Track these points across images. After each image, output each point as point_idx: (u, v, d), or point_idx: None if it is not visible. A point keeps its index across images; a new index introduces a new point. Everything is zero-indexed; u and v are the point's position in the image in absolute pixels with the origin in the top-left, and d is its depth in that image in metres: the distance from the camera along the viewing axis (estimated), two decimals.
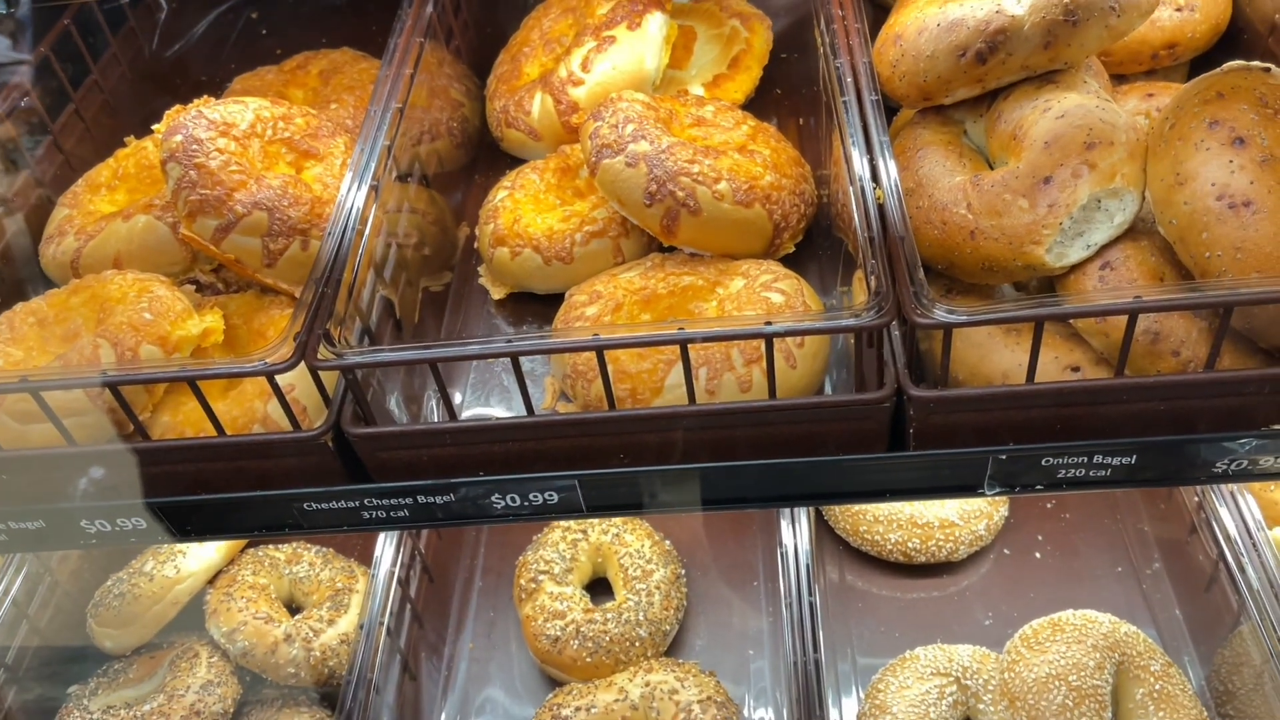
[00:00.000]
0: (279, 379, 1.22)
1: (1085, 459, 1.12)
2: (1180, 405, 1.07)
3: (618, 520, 1.83)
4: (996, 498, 1.83)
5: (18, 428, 1.20)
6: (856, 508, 1.79)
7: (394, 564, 1.66)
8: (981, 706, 1.54)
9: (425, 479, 1.18)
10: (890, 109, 1.36)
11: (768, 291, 1.27)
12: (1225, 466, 1.11)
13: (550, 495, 1.19)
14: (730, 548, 1.88)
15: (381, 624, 1.58)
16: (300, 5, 2.06)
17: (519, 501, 1.20)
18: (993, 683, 1.53)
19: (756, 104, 1.65)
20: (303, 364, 1.08)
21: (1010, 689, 1.49)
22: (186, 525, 1.23)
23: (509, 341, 1.07)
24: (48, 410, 1.13)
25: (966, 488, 1.16)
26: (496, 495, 1.19)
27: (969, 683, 1.55)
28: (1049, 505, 1.89)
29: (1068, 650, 1.48)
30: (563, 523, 1.84)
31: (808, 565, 1.56)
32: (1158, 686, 1.47)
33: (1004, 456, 1.11)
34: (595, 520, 1.82)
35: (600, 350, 1.07)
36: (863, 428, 1.12)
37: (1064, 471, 1.13)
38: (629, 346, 1.05)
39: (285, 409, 1.13)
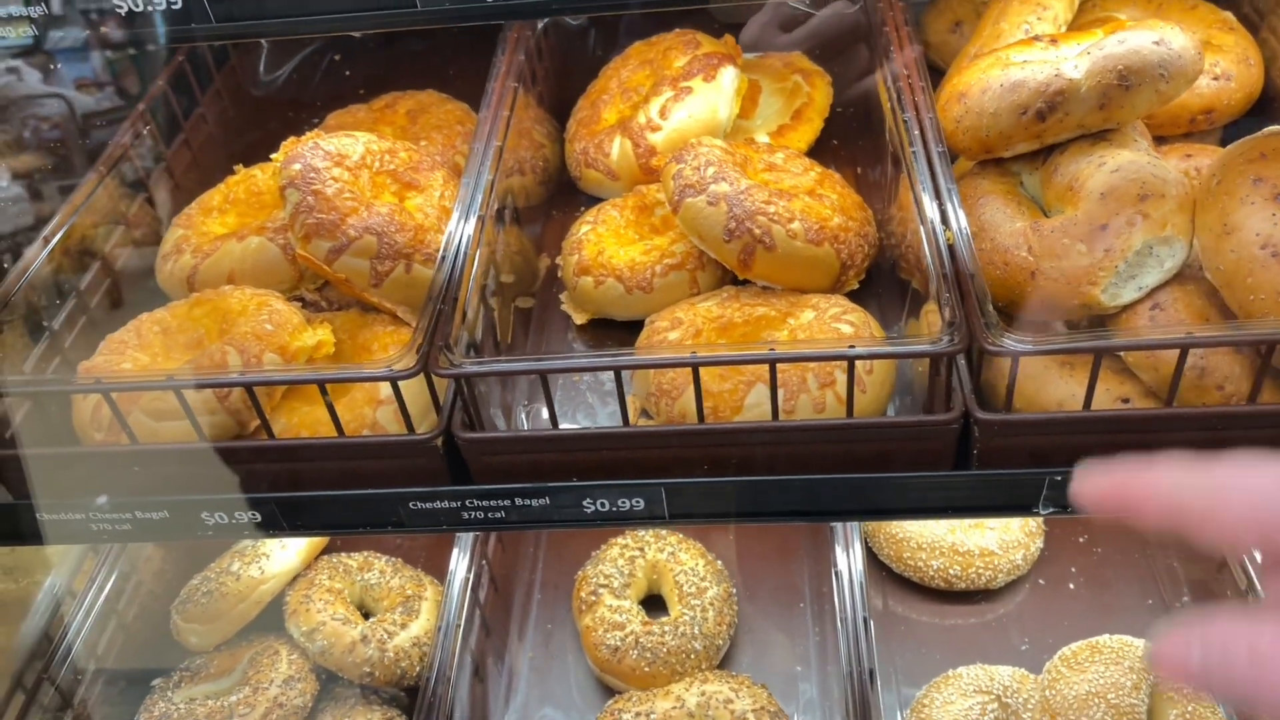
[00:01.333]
0: (384, 387, 1.34)
1: None
2: (1223, 435, 1.17)
3: (673, 539, 1.92)
4: (1034, 530, 1.92)
5: (151, 424, 1.30)
6: (900, 536, 1.89)
7: (468, 572, 1.76)
8: None
9: (523, 483, 1.28)
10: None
11: (837, 323, 1.38)
12: None
13: (637, 501, 1.29)
14: (778, 570, 1.97)
15: (458, 627, 1.68)
16: (379, 50, 2.20)
17: (608, 506, 1.30)
18: (1031, 701, 1.62)
19: (816, 153, 1.77)
20: (427, 373, 1.19)
21: (1051, 705, 1.58)
22: (298, 520, 1.33)
23: (614, 356, 1.18)
24: (186, 407, 1.24)
25: (1022, 507, 1.26)
26: (588, 500, 1.30)
27: (1009, 700, 1.64)
28: (1081, 540, 1.99)
29: (1106, 670, 1.56)
30: (620, 540, 1.94)
31: (861, 584, 1.65)
32: (1190, 708, 1.56)
33: (1059, 478, 1.21)
34: (651, 539, 1.92)
35: (696, 367, 1.18)
36: (930, 448, 1.22)
37: None
38: (722, 364, 1.15)
39: (404, 413, 1.24)
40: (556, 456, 1.26)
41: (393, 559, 1.94)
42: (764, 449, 1.24)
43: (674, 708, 1.67)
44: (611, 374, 1.50)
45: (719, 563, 1.92)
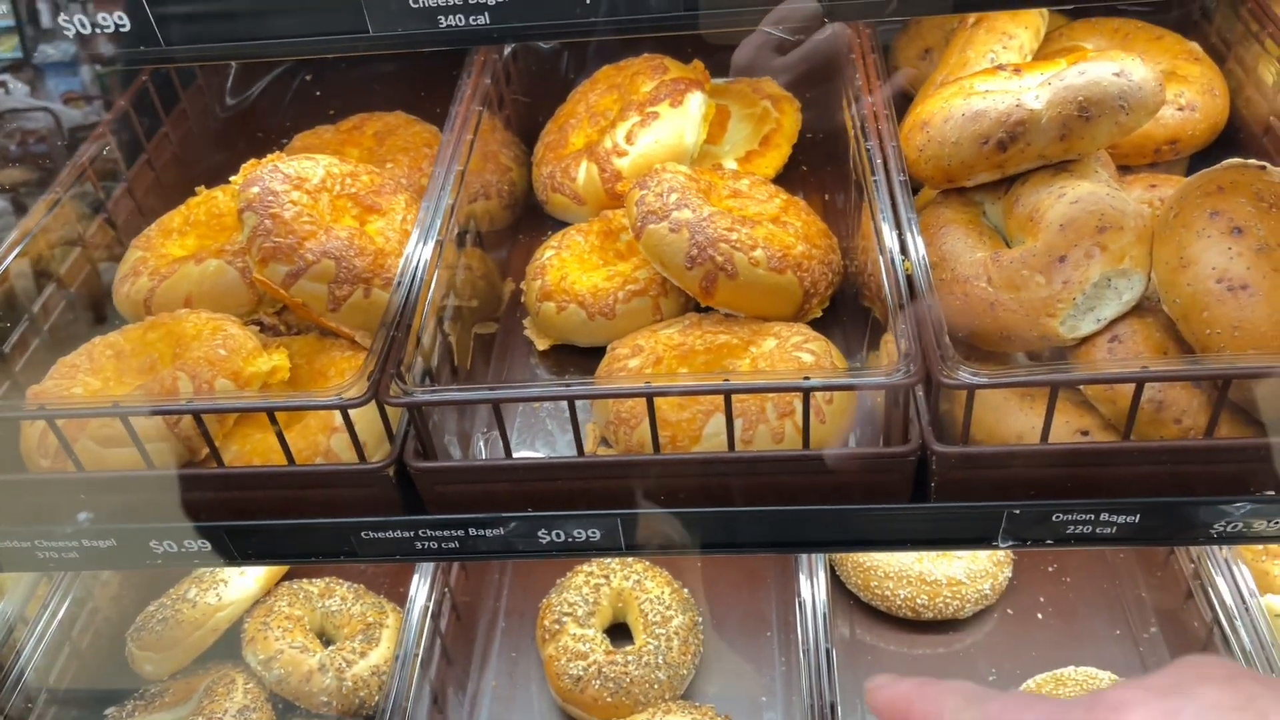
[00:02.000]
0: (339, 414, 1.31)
1: (1093, 516, 1.21)
2: (1181, 470, 1.17)
3: (639, 567, 1.90)
4: (1002, 559, 1.91)
5: (99, 451, 1.28)
6: (868, 564, 1.87)
7: (428, 599, 1.73)
8: None
9: (477, 513, 1.26)
10: (913, 188, 1.48)
11: (799, 351, 1.37)
12: (1222, 528, 1.20)
13: (593, 532, 1.28)
14: (746, 598, 1.96)
15: (416, 656, 1.65)
16: (350, 70, 2.19)
17: (563, 537, 1.28)
18: None
19: (785, 179, 1.76)
20: (378, 401, 1.17)
21: None
22: (248, 549, 1.31)
23: (567, 386, 1.17)
24: (133, 435, 1.21)
25: (981, 539, 1.25)
26: (543, 530, 1.28)
27: None
28: (1050, 569, 1.97)
29: None
30: (586, 567, 1.91)
31: (825, 614, 1.63)
32: None
33: (1017, 511, 1.20)
34: (617, 566, 1.90)
35: (650, 397, 1.16)
36: (887, 480, 1.21)
37: (1072, 528, 1.22)
38: (677, 394, 1.14)
39: (355, 442, 1.22)
40: (511, 486, 1.25)
41: (355, 585, 1.91)
42: (720, 480, 1.23)
43: None
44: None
45: (685, 591, 1.90)
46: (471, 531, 1.28)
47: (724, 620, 1.93)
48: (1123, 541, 1.23)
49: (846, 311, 1.54)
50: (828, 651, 1.59)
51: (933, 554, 1.90)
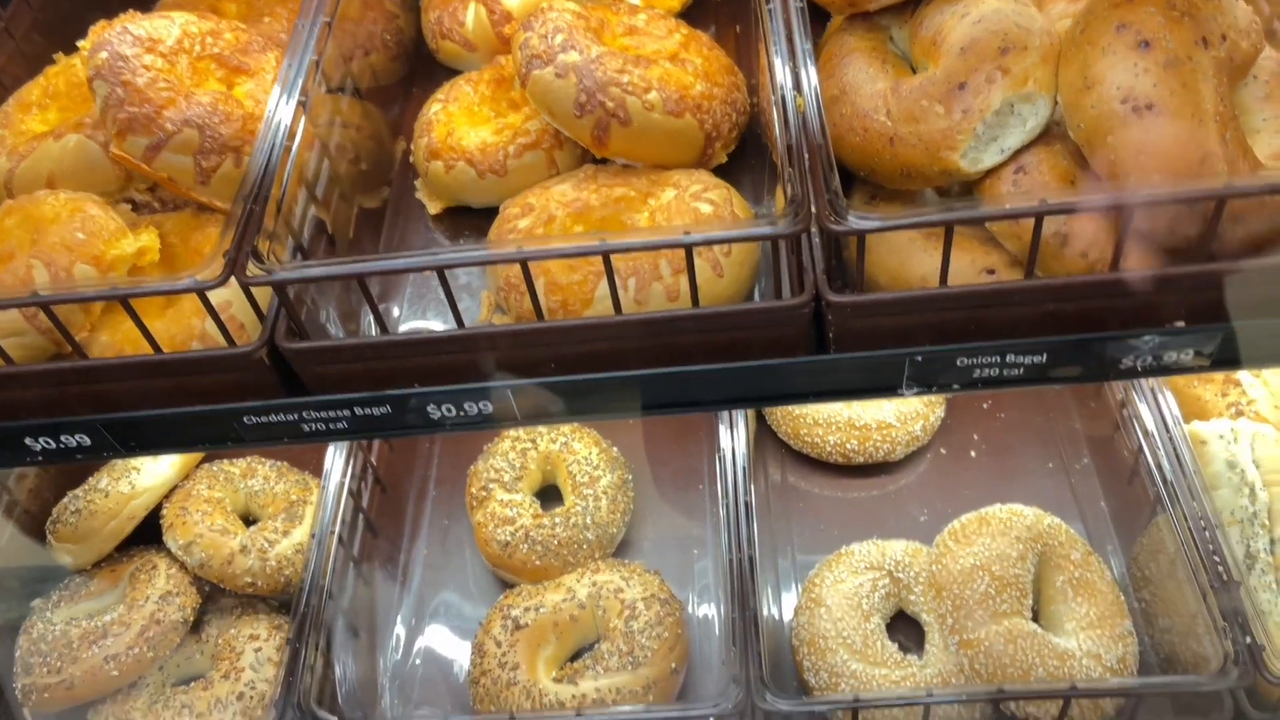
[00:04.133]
0: (216, 296, 1.24)
1: (998, 359, 1.16)
2: (1088, 305, 1.11)
3: (566, 429, 1.87)
4: (934, 400, 1.88)
5: None
6: (797, 412, 1.84)
7: (344, 475, 1.70)
8: (912, 598, 1.62)
9: (362, 391, 1.21)
10: (822, 16, 1.37)
11: (697, 201, 1.29)
12: (1131, 362, 1.15)
13: (485, 405, 1.23)
14: (676, 454, 1.93)
15: (333, 533, 1.63)
16: None
17: (455, 411, 1.23)
18: (924, 575, 1.60)
19: (695, 12, 1.64)
20: (237, 281, 1.10)
21: (937, 580, 1.56)
22: (130, 440, 1.25)
23: (434, 255, 1.09)
24: None
25: (887, 388, 1.21)
26: (432, 406, 1.23)
27: (901, 575, 1.62)
28: (985, 406, 1.95)
29: (992, 542, 1.54)
30: (512, 432, 1.88)
31: (744, 467, 1.61)
32: (1077, 574, 1.55)
33: (920, 358, 1.15)
34: (544, 429, 1.86)
35: (524, 262, 1.09)
36: (784, 333, 1.15)
37: (979, 371, 1.17)
38: (551, 258, 1.07)
39: (219, 325, 1.15)
40: (393, 363, 1.19)
41: (278, 464, 1.88)
42: (610, 343, 1.17)
43: (564, 600, 1.64)
44: (465, 269, 1.44)
45: (614, 450, 1.87)
46: (358, 411, 1.23)
47: (657, 476, 1.92)
48: (1032, 382, 1.19)
49: (755, 154, 1.45)
50: (747, 504, 1.57)
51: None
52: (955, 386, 1.19)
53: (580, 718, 1.38)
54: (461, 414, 1.24)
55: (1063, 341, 1.13)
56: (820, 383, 1.20)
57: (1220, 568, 1.42)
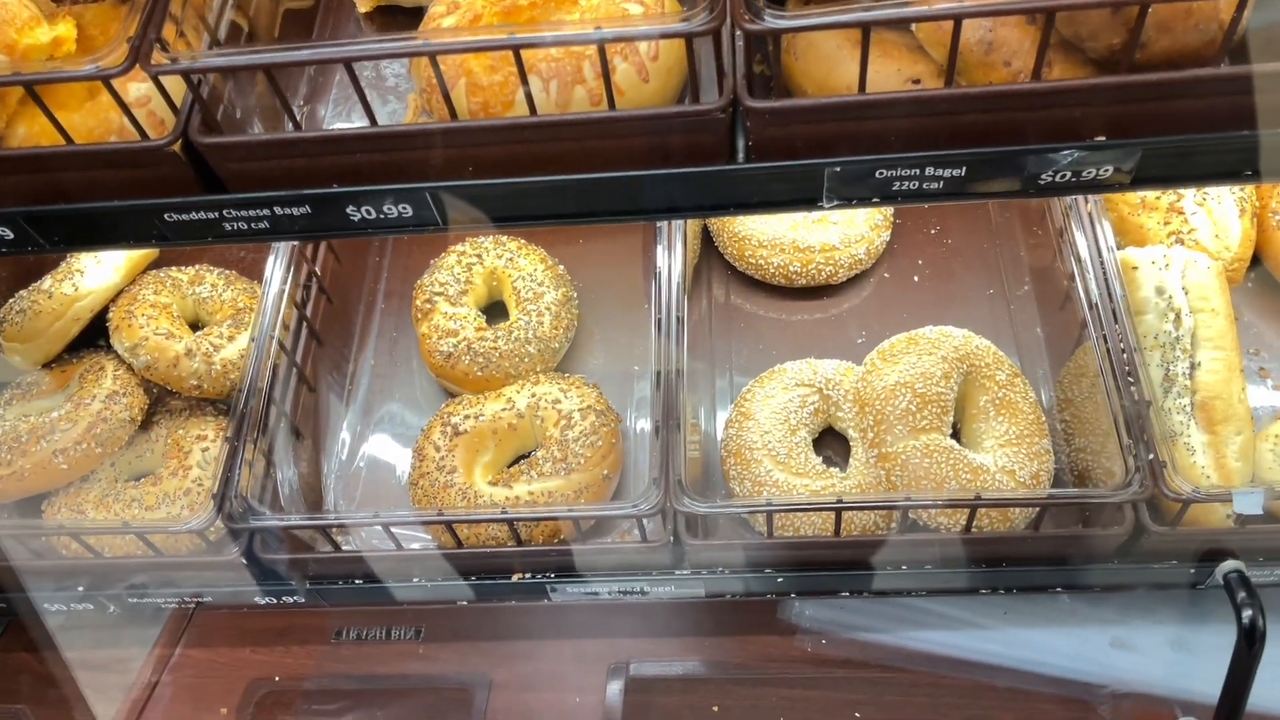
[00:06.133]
0: (135, 90, 1.22)
1: (918, 171, 1.15)
2: (1010, 117, 1.10)
3: (512, 245, 1.87)
4: (880, 223, 1.88)
5: None
6: (743, 233, 1.84)
7: (284, 283, 1.71)
8: (840, 414, 1.66)
9: (281, 190, 1.20)
10: None
11: (627, 2, 1.25)
12: (1050, 177, 1.14)
13: (404, 208, 1.22)
14: (626, 271, 1.94)
15: (272, 338, 1.65)
16: None
17: (374, 214, 1.23)
18: (852, 392, 1.64)
19: None
20: (142, 69, 1.07)
21: (862, 396, 1.60)
22: (54, 235, 1.26)
23: (340, 46, 1.07)
24: None
25: (807, 200, 1.20)
26: (351, 207, 1.22)
27: (830, 393, 1.66)
28: (932, 231, 1.95)
29: (918, 361, 1.57)
30: (458, 246, 1.88)
31: (679, 284, 1.62)
32: (1001, 395, 1.58)
33: (839, 169, 1.14)
34: (490, 245, 1.87)
35: (433, 56, 1.07)
36: (701, 140, 1.14)
37: (898, 184, 1.16)
38: (455, 52, 1.04)
39: (129, 116, 1.13)
40: (309, 161, 1.18)
41: (226, 272, 1.89)
42: (527, 147, 1.16)
43: (504, 409, 1.68)
44: (395, 72, 1.41)
45: (560, 267, 1.88)
46: (277, 210, 1.22)
47: (604, 294, 1.93)
48: (951, 196, 1.18)
49: None
50: (679, 320, 1.59)
51: (808, 221, 1.87)
52: (875, 200, 1.18)
53: (506, 515, 1.43)
54: (381, 216, 1.23)
55: (982, 154, 1.12)
56: (740, 194, 1.19)
57: (1134, 389, 1.45)
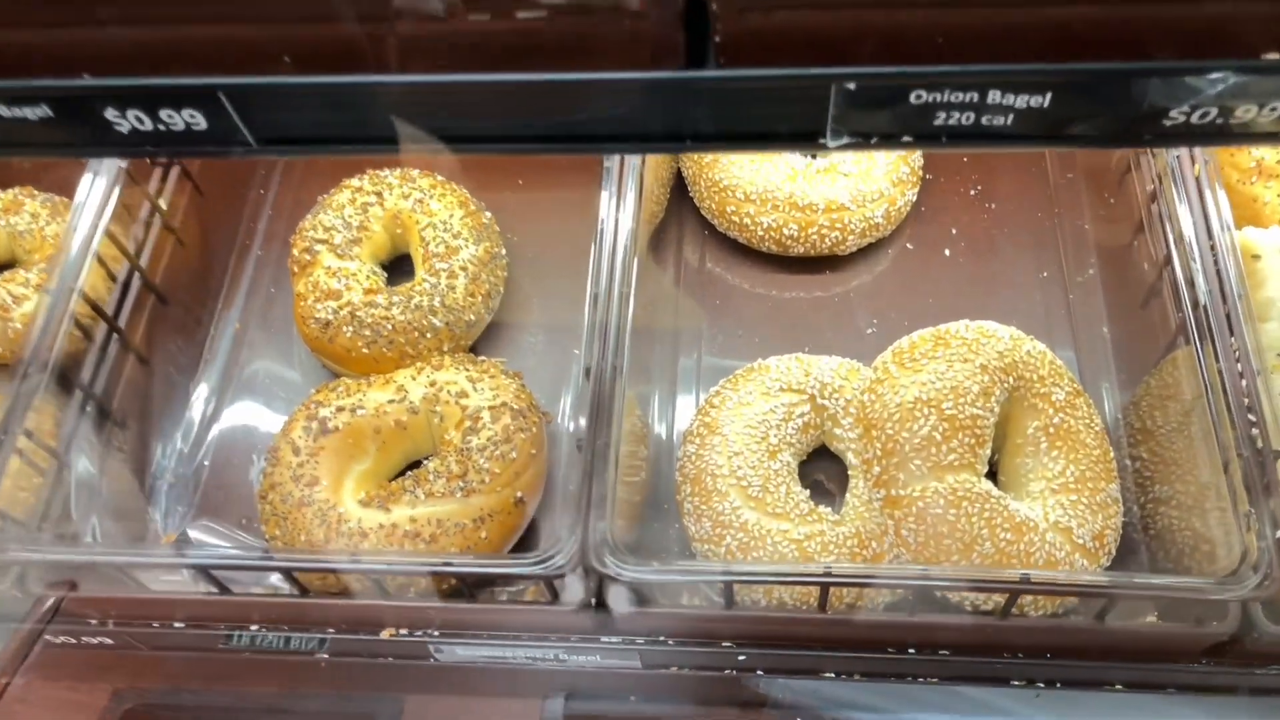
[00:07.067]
0: None
1: (976, 96, 0.73)
2: (1124, 14, 0.68)
3: (425, 183, 1.45)
4: (905, 177, 1.44)
5: None
6: (725, 183, 1.41)
7: (99, 215, 1.27)
8: (839, 431, 1.25)
9: (17, 79, 0.79)
10: None
11: None
12: (1183, 117, 0.73)
13: (192, 115, 0.81)
14: (575, 223, 1.51)
15: (73, 290, 1.23)
16: None
17: (148, 123, 0.82)
18: (856, 405, 1.23)
19: None
20: None
21: (869, 413, 1.18)
22: None
23: None
24: None
25: (802, 135, 0.78)
26: (113, 111, 0.81)
27: (826, 402, 1.24)
28: (972, 193, 1.52)
29: (948, 370, 1.16)
30: (354, 182, 1.46)
31: (626, 246, 1.20)
32: (1057, 420, 1.17)
33: (852, 85, 0.73)
34: (395, 181, 1.44)
35: None
36: (640, 30, 0.72)
37: (943, 115, 0.75)
38: None
39: None
40: (48, 35, 0.76)
41: (55, 199, 1.47)
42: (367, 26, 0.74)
43: (392, 400, 1.28)
44: None
45: (487, 215, 1.46)
46: (13, 111, 0.81)
47: (545, 255, 1.52)
48: (1027, 140, 0.76)
49: None
50: (622, 296, 1.18)
51: (810, 171, 1.44)
52: (905, 139, 0.76)
53: (356, 563, 1.03)
54: (160, 127, 0.82)
55: (1080, 71, 0.71)
56: (700, 117, 0.78)
57: (1255, 429, 1.04)
